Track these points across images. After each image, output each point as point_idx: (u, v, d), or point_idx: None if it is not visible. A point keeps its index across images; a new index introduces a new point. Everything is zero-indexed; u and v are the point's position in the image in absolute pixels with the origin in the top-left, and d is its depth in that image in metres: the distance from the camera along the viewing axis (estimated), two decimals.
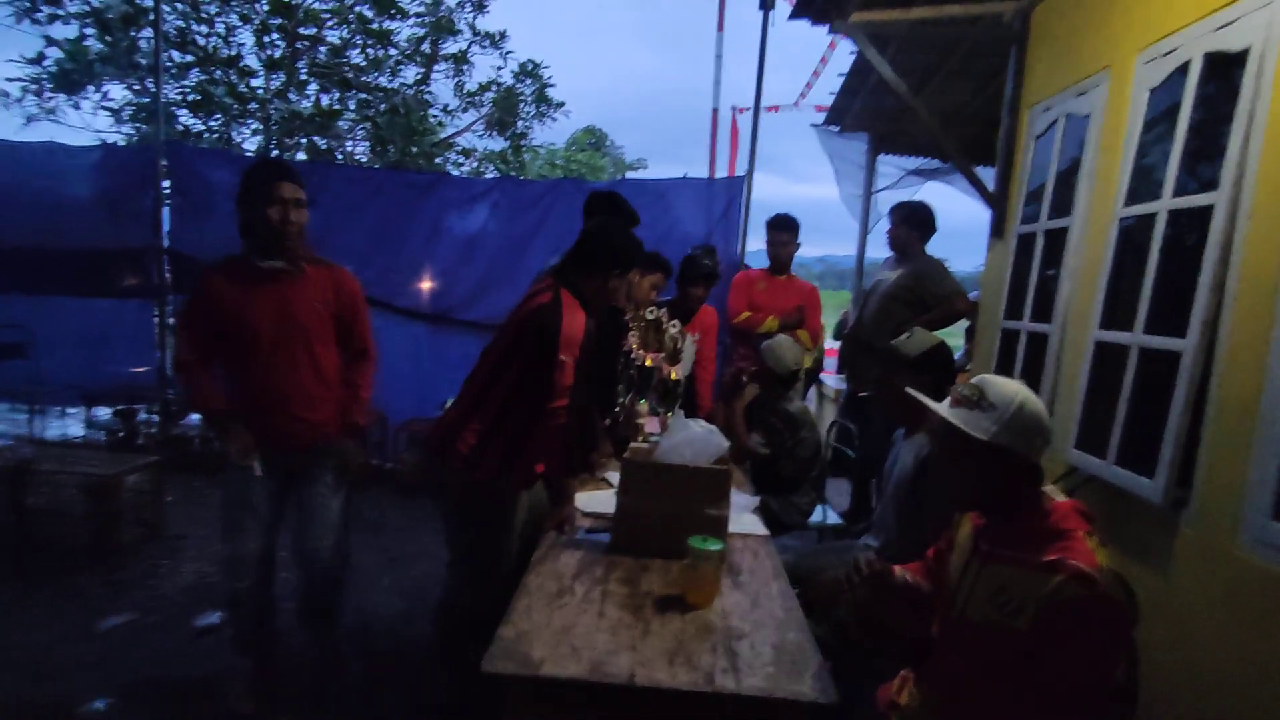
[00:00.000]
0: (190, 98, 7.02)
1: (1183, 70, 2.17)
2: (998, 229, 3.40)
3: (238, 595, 2.21)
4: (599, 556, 1.84)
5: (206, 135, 7.28)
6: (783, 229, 4.08)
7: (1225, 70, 2.03)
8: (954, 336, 5.43)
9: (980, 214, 3.61)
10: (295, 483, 2.22)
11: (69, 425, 5.10)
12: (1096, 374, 2.44)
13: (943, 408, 1.35)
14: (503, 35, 8.21)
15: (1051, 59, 3.08)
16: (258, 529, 2.16)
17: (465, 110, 8.60)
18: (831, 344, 6.19)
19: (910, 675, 1.51)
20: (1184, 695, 1.89)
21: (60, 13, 6.46)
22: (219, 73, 7.04)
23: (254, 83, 7.37)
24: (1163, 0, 2.31)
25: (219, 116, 7.21)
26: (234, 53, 7.19)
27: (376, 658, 2.66)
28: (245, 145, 7.56)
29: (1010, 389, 1.31)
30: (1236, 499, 1.78)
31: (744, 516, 2.21)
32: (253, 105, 7.30)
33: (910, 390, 1.65)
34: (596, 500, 2.25)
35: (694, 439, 1.98)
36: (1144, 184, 2.33)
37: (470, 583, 2.12)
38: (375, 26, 7.65)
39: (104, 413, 4.95)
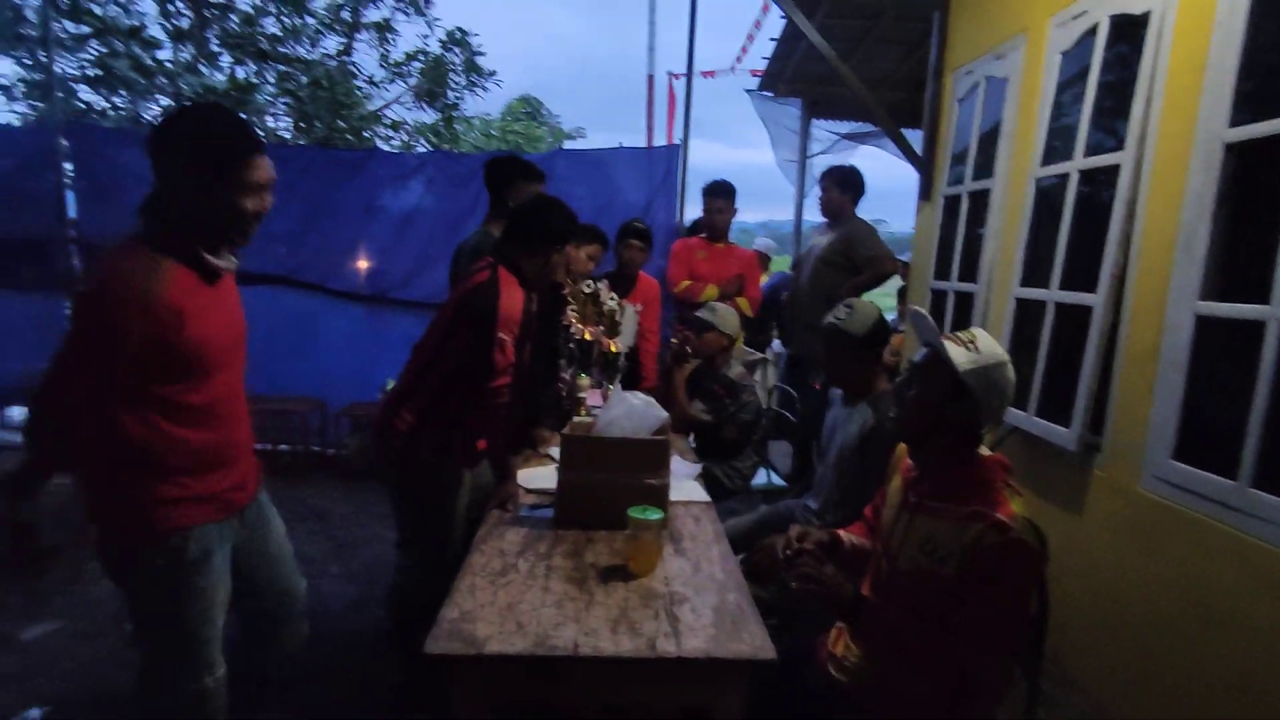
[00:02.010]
0: (90, 72, 6.54)
1: (1092, 33, 2.25)
2: (925, 191, 3.48)
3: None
4: (543, 532, 1.85)
5: (111, 113, 6.81)
6: (719, 195, 4.06)
7: (1130, 32, 2.11)
8: (887, 297, 5.59)
9: (913, 176, 3.69)
10: (246, 536, 1.68)
11: None
12: (1018, 330, 2.55)
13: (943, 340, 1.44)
14: (428, 1, 7.90)
15: (972, 23, 3.14)
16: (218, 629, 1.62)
17: (392, 81, 8.29)
18: None
19: (845, 626, 1.57)
20: (1090, 616, 2.05)
21: None
22: (120, 45, 6.56)
23: (160, 55, 6.90)
24: None
25: (123, 92, 6.74)
26: (136, 23, 6.71)
27: (328, 646, 2.61)
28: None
29: (999, 349, 1.42)
30: (1140, 442, 1.90)
31: (685, 484, 2.24)
32: (161, 80, 6.85)
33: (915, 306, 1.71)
34: (539, 477, 2.24)
35: (632, 411, 1.99)
36: (1059, 144, 2.42)
37: (418, 564, 2.10)
38: None
39: (18, 412, 4.67)
